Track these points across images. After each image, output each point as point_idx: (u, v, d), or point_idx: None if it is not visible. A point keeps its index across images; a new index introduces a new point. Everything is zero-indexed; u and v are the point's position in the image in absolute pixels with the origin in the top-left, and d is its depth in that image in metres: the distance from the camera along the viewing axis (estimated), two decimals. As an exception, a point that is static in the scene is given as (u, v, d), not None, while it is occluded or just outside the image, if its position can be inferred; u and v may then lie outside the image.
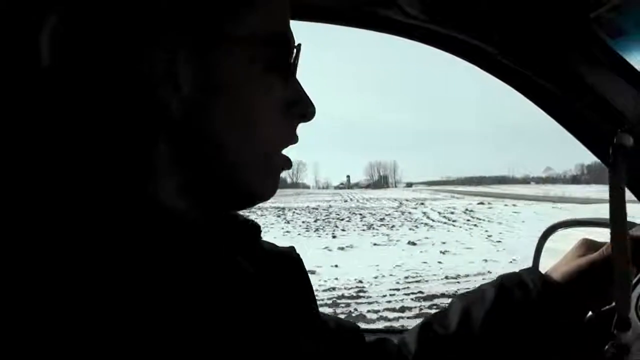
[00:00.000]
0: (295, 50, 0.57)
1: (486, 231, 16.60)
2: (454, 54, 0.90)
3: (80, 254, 0.42)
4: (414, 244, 13.80)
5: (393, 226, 19.06)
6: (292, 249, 0.72)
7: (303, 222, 21.40)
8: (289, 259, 0.70)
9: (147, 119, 0.48)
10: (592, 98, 0.85)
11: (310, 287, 0.71)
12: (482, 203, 33.12)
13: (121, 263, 0.43)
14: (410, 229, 18.08)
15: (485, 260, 10.91)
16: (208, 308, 0.47)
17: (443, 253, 12.12)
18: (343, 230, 18.01)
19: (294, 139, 0.59)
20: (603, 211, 0.82)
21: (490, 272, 9.36)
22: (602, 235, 0.88)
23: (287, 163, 0.58)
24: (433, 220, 21.16)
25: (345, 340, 0.80)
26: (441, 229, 17.71)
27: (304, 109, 0.58)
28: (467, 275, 9.38)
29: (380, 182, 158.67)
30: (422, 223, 20.11)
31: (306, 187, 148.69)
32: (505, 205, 31.19)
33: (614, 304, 0.78)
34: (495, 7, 0.83)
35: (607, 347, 0.77)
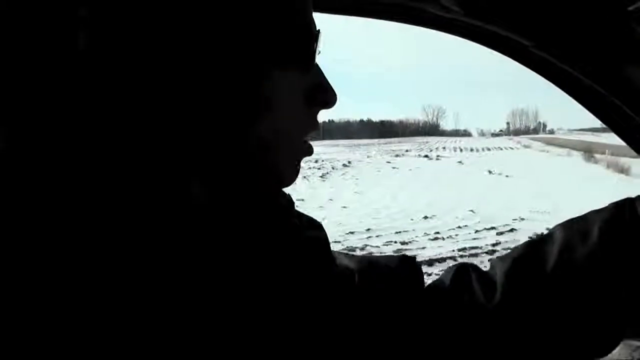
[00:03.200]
0: (316, 38, 0.56)
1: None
2: (488, 47, 0.91)
3: (100, 245, 0.43)
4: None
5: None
6: (318, 222, 0.70)
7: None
8: (315, 236, 0.68)
9: (175, 112, 0.48)
10: (630, 92, 0.83)
11: (331, 257, 0.70)
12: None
13: (141, 254, 0.45)
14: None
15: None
16: (225, 302, 0.49)
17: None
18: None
19: (315, 127, 0.59)
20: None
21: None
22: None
23: (308, 150, 0.59)
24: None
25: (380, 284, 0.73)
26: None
27: (326, 97, 0.58)
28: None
29: (522, 130, 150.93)
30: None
31: (468, 134, 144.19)
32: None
33: None
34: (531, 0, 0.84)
35: None
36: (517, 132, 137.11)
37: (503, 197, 17.70)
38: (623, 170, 25.39)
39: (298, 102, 0.55)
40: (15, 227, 0.42)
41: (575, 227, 0.74)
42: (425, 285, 0.79)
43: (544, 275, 0.72)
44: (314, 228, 0.68)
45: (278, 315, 0.54)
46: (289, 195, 0.64)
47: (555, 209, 14.80)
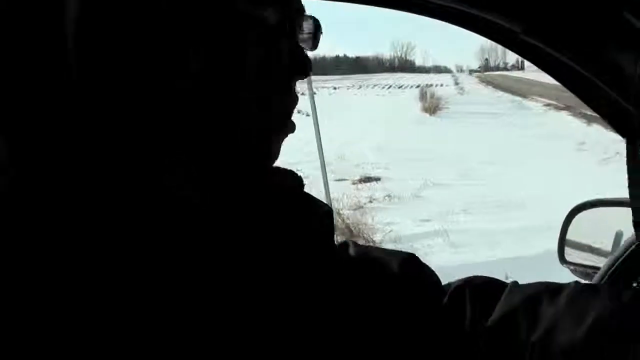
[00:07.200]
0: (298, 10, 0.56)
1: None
2: (478, 33, 0.88)
3: (87, 245, 0.42)
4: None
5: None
6: (328, 207, 0.67)
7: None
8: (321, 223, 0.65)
9: (159, 99, 0.47)
10: (621, 80, 0.82)
11: (333, 246, 0.68)
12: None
13: (127, 254, 0.43)
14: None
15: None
16: (213, 301, 0.47)
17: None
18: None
19: (296, 101, 0.58)
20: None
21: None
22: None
23: (291, 126, 0.58)
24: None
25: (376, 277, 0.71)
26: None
27: (304, 65, 0.57)
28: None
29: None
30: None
31: (449, 70, 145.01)
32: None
33: None
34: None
35: None
36: (490, 69, 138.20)
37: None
38: (428, 110, 22.50)
39: (283, 73, 0.55)
40: (13, 229, 0.41)
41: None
42: (433, 283, 0.75)
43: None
44: (322, 215, 0.65)
45: (281, 306, 0.53)
46: (298, 176, 0.62)
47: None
